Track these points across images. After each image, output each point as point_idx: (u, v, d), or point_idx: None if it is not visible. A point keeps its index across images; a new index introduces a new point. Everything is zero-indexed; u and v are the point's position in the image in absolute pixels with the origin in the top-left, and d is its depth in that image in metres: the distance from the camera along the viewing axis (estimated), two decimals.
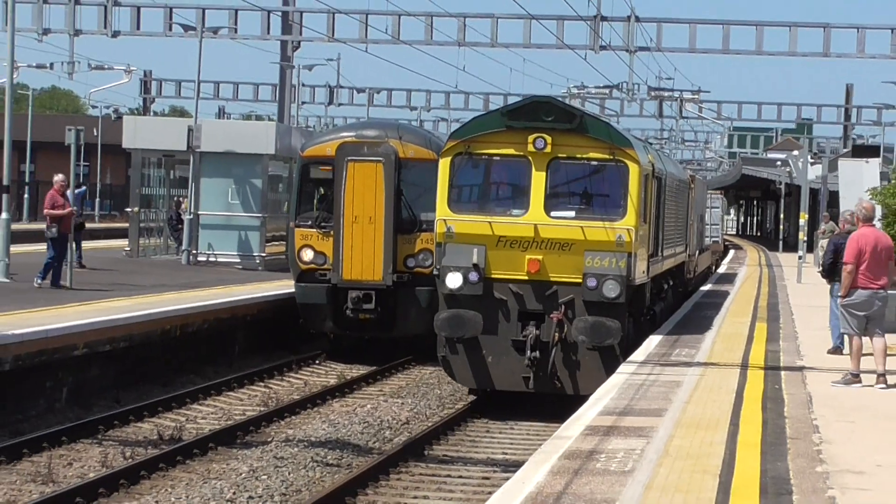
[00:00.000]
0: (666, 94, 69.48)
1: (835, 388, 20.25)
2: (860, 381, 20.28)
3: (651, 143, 37.32)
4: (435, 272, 24.18)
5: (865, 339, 20.76)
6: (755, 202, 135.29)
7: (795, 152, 72.33)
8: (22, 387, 22.80)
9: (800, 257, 52.50)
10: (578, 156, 23.80)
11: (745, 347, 25.50)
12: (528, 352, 23.26)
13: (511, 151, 23.84)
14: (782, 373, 22.01)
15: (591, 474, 13.63)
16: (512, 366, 23.72)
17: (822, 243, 51.54)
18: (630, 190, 23.62)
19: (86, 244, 42.47)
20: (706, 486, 13.13)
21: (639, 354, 23.88)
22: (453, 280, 23.35)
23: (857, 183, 34.32)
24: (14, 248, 34.95)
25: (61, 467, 19.57)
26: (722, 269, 56.86)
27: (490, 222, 23.61)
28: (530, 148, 23.40)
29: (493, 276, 23.57)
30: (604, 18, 50.11)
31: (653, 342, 26.12)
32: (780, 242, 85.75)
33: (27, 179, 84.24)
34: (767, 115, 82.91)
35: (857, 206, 21.91)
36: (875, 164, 38.73)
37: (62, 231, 31.86)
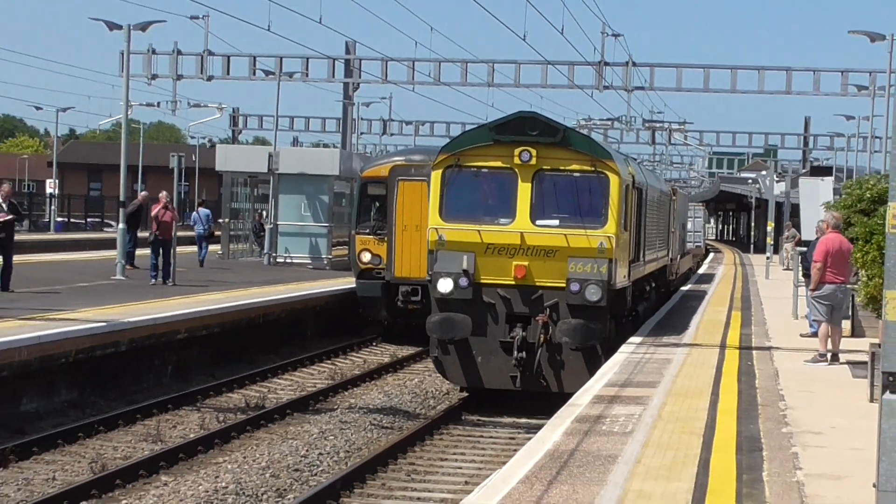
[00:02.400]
0: (657, 125, 69.54)
1: (804, 364, 20.20)
2: (826, 360, 20.25)
3: (635, 158, 35.22)
4: (427, 278, 22.13)
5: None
6: (731, 213, 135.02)
7: (763, 172, 72.11)
8: (136, 364, 22.92)
9: (767, 258, 52.29)
10: (562, 168, 21.56)
11: (724, 331, 25.41)
12: (516, 352, 21.11)
13: (498, 164, 21.62)
14: (754, 352, 21.96)
15: (598, 435, 13.65)
16: (500, 365, 21.41)
17: (787, 247, 51.66)
18: (611, 200, 21.46)
19: (188, 248, 42.77)
20: (692, 444, 13.13)
21: (636, 337, 23.80)
22: (445, 285, 21.26)
23: (815, 198, 34.14)
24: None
25: (167, 429, 19.65)
26: (703, 269, 56.67)
27: (479, 231, 21.43)
28: (516, 160, 21.28)
29: (482, 281, 21.36)
30: (607, 63, 50.07)
31: (647, 327, 26.05)
32: (752, 246, 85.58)
33: (139, 196, 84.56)
34: (740, 141, 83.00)
35: (827, 216, 21.95)
36: (829, 182, 38.53)
37: (163, 237, 32.14)
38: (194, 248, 42.86)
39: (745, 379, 18.35)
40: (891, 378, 10.10)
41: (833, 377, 18.97)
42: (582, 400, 16.03)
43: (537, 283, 21.24)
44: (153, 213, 33.01)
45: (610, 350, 21.29)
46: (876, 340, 16.52)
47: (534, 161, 21.19)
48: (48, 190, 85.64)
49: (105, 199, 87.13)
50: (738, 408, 15.61)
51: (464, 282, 21.12)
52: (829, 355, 20.43)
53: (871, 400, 15.69)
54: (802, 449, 13.03)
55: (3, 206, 27.59)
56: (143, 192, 34.11)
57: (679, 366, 19.61)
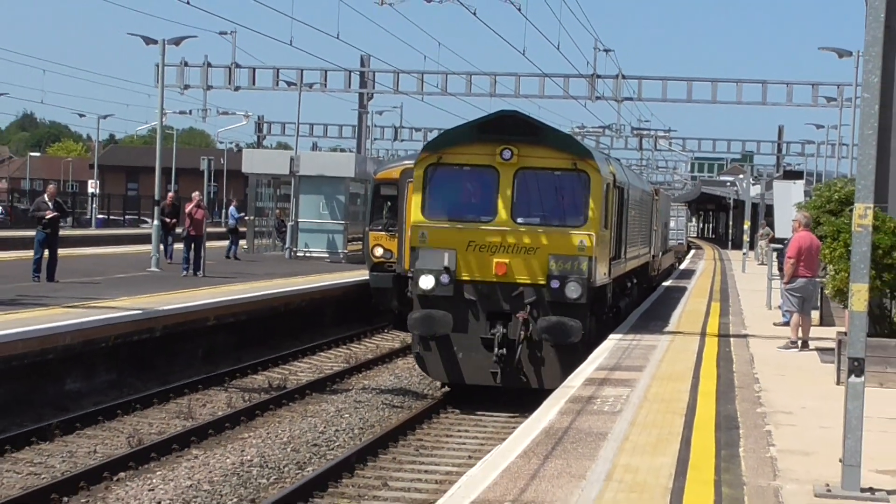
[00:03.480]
0: (644, 132, 69.29)
1: (777, 351, 20.23)
2: (797, 347, 20.29)
3: (618, 160, 34.05)
4: (409, 275, 20.45)
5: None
6: (711, 213, 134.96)
7: (741, 176, 72.23)
8: (169, 348, 22.96)
9: (744, 254, 52.36)
10: (543, 166, 19.92)
11: (704, 321, 25.41)
12: (496, 349, 19.54)
13: (480, 162, 19.98)
14: (731, 339, 21.96)
15: (589, 414, 13.65)
16: (481, 362, 19.77)
17: (761, 244, 51.67)
18: (591, 198, 19.85)
19: (216, 243, 42.84)
20: (675, 423, 13.13)
21: (624, 326, 23.78)
22: (426, 282, 19.68)
23: (787, 199, 34.05)
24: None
25: (198, 407, 19.68)
26: (685, 264, 56.62)
27: (460, 228, 19.82)
28: (498, 159, 19.71)
29: (463, 278, 19.75)
30: (598, 76, 50.02)
31: (635, 315, 26.03)
32: (730, 243, 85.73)
33: (173, 196, 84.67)
34: (720, 147, 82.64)
35: (800, 216, 22.04)
36: (800, 185, 38.43)
37: (195, 233, 32.22)
38: (226, 243, 43.07)
39: (723, 364, 18.35)
40: (855, 363, 10.11)
41: (803, 362, 18.98)
42: (575, 382, 16.04)
43: (518, 281, 19.75)
44: (187, 211, 33.08)
45: (590, 346, 19.84)
46: (842, 329, 16.50)
47: (515, 159, 19.77)
48: (90, 190, 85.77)
49: (141, 199, 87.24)
50: (717, 390, 15.62)
51: (445, 279, 19.66)
52: (799, 342, 20.48)
53: (838, 383, 15.70)
54: (775, 427, 13.03)
55: (50, 204, 27.72)
56: (196, 193, 34.30)
57: (663, 352, 19.60)
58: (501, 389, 20.03)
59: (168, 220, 36.20)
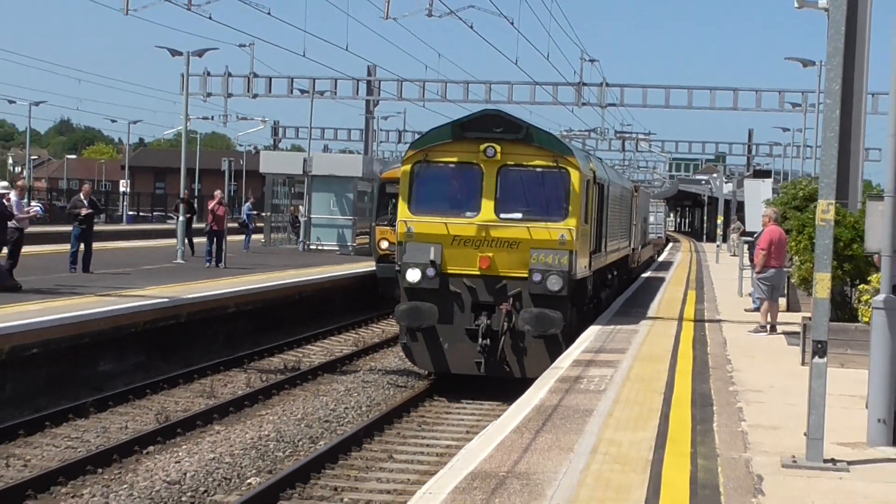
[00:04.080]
0: (626, 135, 69.41)
1: (747, 334, 20.24)
2: (766, 331, 20.29)
3: (599, 158, 33.17)
4: (397, 268, 19.38)
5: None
6: (687, 208, 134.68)
7: (714, 175, 72.11)
8: (193, 333, 22.95)
9: (717, 246, 52.30)
10: (525, 163, 18.95)
11: (681, 307, 25.39)
12: (480, 339, 18.65)
13: (465, 159, 19.03)
14: (706, 324, 21.95)
15: (577, 392, 13.65)
16: (466, 352, 18.85)
17: (733, 237, 51.65)
18: (571, 194, 18.90)
19: (237, 237, 42.88)
20: (655, 400, 13.14)
21: (608, 312, 23.75)
22: (413, 275, 18.76)
23: (757, 196, 33.97)
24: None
25: (219, 387, 19.68)
26: (664, 256, 56.55)
27: (446, 223, 18.85)
28: (481, 156, 18.74)
29: (448, 271, 18.84)
30: (584, 84, 50.00)
31: (618, 303, 26.00)
32: (704, 236, 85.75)
33: (196, 194, 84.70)
34: (696, 149, 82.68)
35: (770, 212, 22.06)
36: (769, 182, 38.40)
37: (217, 228, 32.31)
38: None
39: (698, 346, 18.34)
40: (819, 345, 10.11)
41: (771, 345, 18.98)
42: (563, 363, 16.02)
43: (501, 274, 18.80)
44: (209, 208, 33.16)
45: (571, 337, 18.93)
46: (807, 314, 16.50)
47: (498, 156, 18.77)
48: (121, 189, 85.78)
49: (168, 197, 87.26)
50: (693, 370, 15.61)
51: (431, 272, 18.74)
52: (768, 327, 20.47)
53: (803, 363, 15.70)
54: (746, 404, 13.04)
55: (85, 202, 27.74)
56: (218, 192, 34.53)
57: (644, 335, 19.58)
58: (485, 378, 19.21)
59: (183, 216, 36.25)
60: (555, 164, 18.97)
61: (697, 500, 8.76)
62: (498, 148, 18.74)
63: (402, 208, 19.23)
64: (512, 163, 18.93)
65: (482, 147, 18.77)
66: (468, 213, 19.02)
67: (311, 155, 44.64)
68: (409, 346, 19.33)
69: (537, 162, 19.00)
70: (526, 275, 18.67)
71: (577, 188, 18.98)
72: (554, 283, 18.52)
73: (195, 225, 37.99)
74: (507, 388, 18.24)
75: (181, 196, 36.82)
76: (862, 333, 14.43)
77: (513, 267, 18.77)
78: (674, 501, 8.72)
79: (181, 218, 35.19)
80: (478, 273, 18.83)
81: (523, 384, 15.54)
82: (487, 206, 18.90)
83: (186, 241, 34.88)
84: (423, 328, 18.92)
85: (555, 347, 18.27)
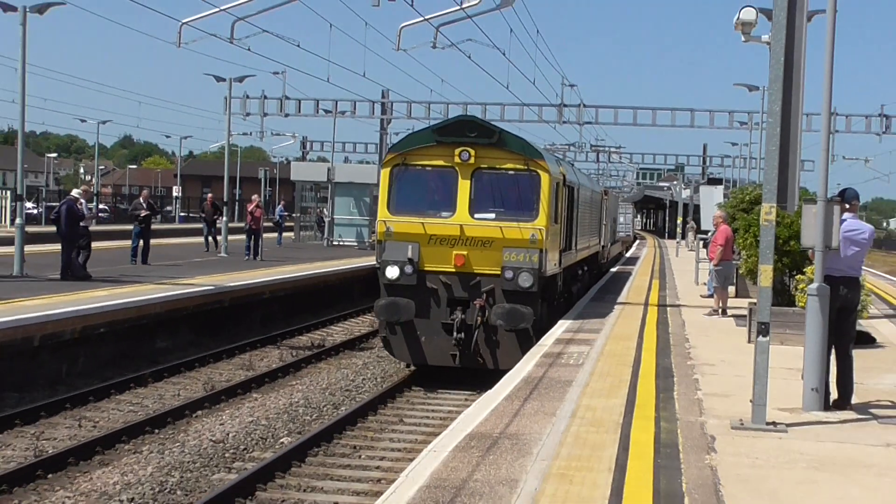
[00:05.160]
0: (600, 148, 69.33)
1: (702, 317, 20.24)
2: (718, 314, 20.29)
3: (572, 164, 31.63)
4: (377, 265, 17.82)
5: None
6: (652, 210, 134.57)
7: (675, 182, 72.03)
8: (234, 315, 22.94)
9: (677, 243, 52.29)
10: (498, 166, 17.37)
11: (647, 294, 25.37)
12: (455, 333, 17.10)
13: (441, 162, 17.40)
14: (668, 308, 21.95)
15: (559, 366, 13.65)
16: (442, 345, 17.30)
17: (690, 235, 51.63)
18: (542, 195, 17.33)
19: (271, 235, 42.90)
20: (625, 372, 13.13)
21: (585, 299, 23.72)
22: (392, 272, 17.24)
23: (710, 200, 33.90)
24: (231, 237, 35.34)
25: (256, 361, 19.67)
26: (632, 251, 56.46)
27: (423, 223, 17.31)
28: (457, 159, 17.20)
29: (425, 268, 17.28)
30: (565, 105, 49.83)
31: (592, 291, 25.98)
32: (666, 234, 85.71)
33: (237, 198, 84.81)
34: (659, 160, 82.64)
35: (718, 213, 22.08)
36: (720, 189, 38.27)
37: (255, 227, 32.40)
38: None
39: (661, 327, 18.34)
40: (762, 326, 10.12)
41: (723, 326, 18.98)
42: (547, 342, 16.00)
43: (475, 271, 17.24)
44: (248, 210, 33.23)
45: (542, 330, 17.39)
46: (753, 300, 16.51)
47: (472, 160, 17.20)
48: (174, 193, 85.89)
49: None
50: (657, 347, 15.61)
51: (409, 269, 17.22)
52: (720, 311, 20.47)
53: (749, 341, 15.70)
54: (701, 376, 13.04)
55: (144, 205, 27.79)
56: (255, 196, 34.65)
57: (616, 318, 19.57)
58: (460, 369, 17.61)
59: (209, 217, 36.25)
60: (526, 167, 17.43)
61: (660, 457, 8.77)
62: (472, 152, 17.26)
63: (382, 209, 17.64)
64: (485, 166, 17.41)
65: (457, 151, 17.29)
66: (444, 214, 17.49)
67: (334, 165, 44.80)
68: (388, 340, 17.63)
69: (509, 165, 17.46)
70: (499, 272, 17.16)
71: (547, 190, 17.47)
72: (525, 280, 17.05)
73: (219, 224, 37.75)
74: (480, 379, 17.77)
75: (208, 199, 36.87)
76: (798, 316, 14.42)
77: (486, 264, 17.26)
78: (640, 458, 8.73)
79: (224, 218, 35.21)
80: (453, 270, 17.31)
81: (495, 375, 14.45)
82: (462, 206, 17.39)
83: (210, 238, 34.88)
84: (401, 322, 17.32)
85: (526, 341, 16.80)
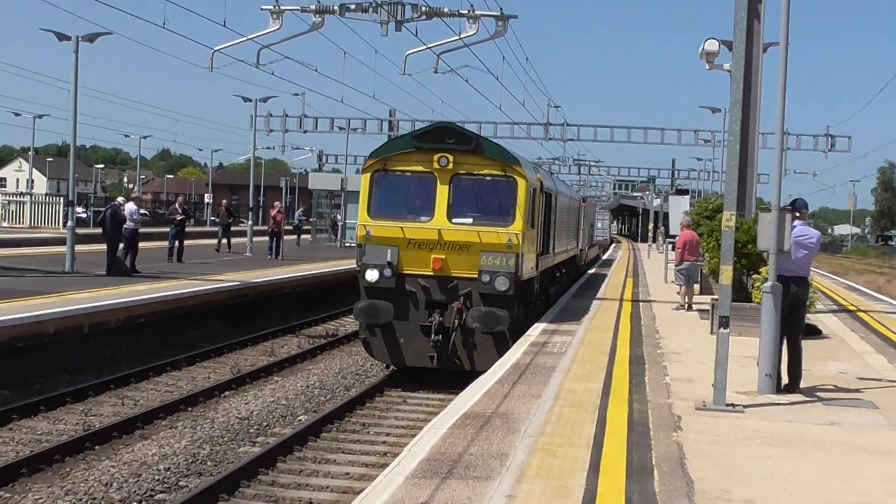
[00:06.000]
0: (581, 162, 69.45)
1: (671, 311, 20.22)
2: (685, 309, 20.28)
3: (551, 172, 29.66)
4: (357, 268, 16.12)
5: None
6: (627, 217, 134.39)
7: (647, 192, 71.93)
8: (257, 308, 22.90)
9: (649, 245, 52.22)
10: (476, 172, 15.72)
11: (622, 290, 25.34)
12: (433, 335, 15.50)
13: (420, 168, 15.75)
14: (640, 303, 21.92)
15: (544, 354, 13.62)
16: (420, 346, 15.67)
17: (660, 239, 51.60)
18: (518, 201, 15.65)
19: (291, 237, 42.91)
20: (603, 360, 13.11)
21: (567, 295, 23.66)
22: (371, 275, 15.64)
23: (678, 208, 33.88)
24: (256, 239, 35.36)
25: (278, 348, 19.67)
26: (609, 253, 56.44)
27: (402, 227, 15.63)
28: (435, 165, 15.57)
29: (404, 271, 15.65)
30: (550, 124, 49.99)
31: (574, 288, 25.94)
32: (639, 238, 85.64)
33: (261, 205, 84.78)
34: (633, 173, 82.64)
35: (686, 220, 22.07)
36: (686, 198, 38.22)
37: (277, 230, 32.46)
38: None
39: (634, 320, 18.31)
40: (723, 319, 10.12)
41: (688, 319, 18.97)
42: (534, 332, 15.94)
43: (453, 274, 15.59)
44: (271, 215, 33.30)
45: (518, 332, 15.82)
46: (715, 297, 16.52)
47: (451, 166, 15.59)
48: (206, 200, 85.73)
49: (240, 206, 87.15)
50: (631, 338, 15.60)
51: (388, 272, 15.60)
52: (686, 306, 20.45)
53: (711, 333, 15.69)
54: (669, 363, 13.03)
55: (179, 210, 27.88)
56: (277, 203, 34.54)
57: (594, 312, 19.54)
58: (438, 371, 15.99)
59: (223, 221, 35.42)
60: (503, 173, 15.78)
61: (633, 434, 8.77)
62: (450, 158, 15.63)
63: (362, 213, 15.99)
64: (463, 172, 15.76)
65: (436, 157, 15.66)
66: (423, 218, 15.77)
67: (347, 176, 44.81)
68: (367, 341, 15.99)
69: (487, 171, 15.80)
70: (476, 276, 15.54)
71: (524, 195, 15.79)
72: (501, 284, 15.48)
73: (233, 227, 37.40)
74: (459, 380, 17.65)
75: (222, 205, 36.78)
76: (754, 311, 14.41)
77: (464, 268, 15.61)
78: (616, 435, 8.73)
79: (249, 221, 35.20)
80: (431, 274, 15.64)
81: (472, 376, 12.97)
82: (441, 211, 15.74)
83: (224, 240, 33.88)
84: (381, 324, 15.75)
85: (502, 343, 15.32)
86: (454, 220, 15.71)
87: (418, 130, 16.47)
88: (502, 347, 14.99)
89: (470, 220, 15.80)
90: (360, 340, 16.31)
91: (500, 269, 15.52)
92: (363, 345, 16.20)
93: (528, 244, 16.50)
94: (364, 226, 15.87)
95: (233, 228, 36.75)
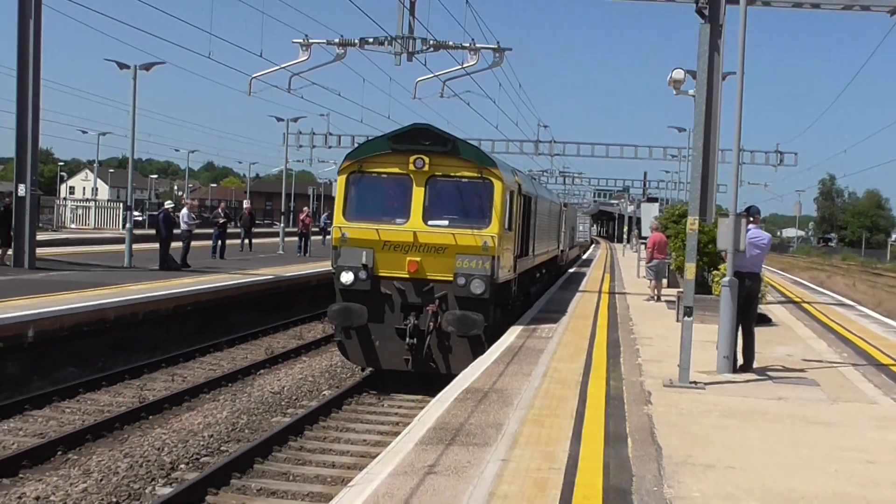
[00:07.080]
0: (566, 174, 69.44)
1: (643, 302, 20.18)
2: (654, 300, 20.23)
3: (532, 176, 27.50)
4: (332, 270, 13.93)
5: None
6: (605, 221, 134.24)
7: (622, 200, 71.84)
8: (289, 298, 22.85)
9: (623, 245, 52.14)
10: (452, 174, 13.52)
11: (601, 284, 25.31)
12: (408, 338, 13.35)
13: (396, 170, 13.54)
14: (616, 295, 21.89)
15: (533, 338, 13.58)
16: (395, 349, 13.50)
17: (634, 240, 51.57)
18: (495, 203, 13.49)
19: (318, 237, 42.95)
20: (584, 343, 13.08)
21: (552, 288, 23.61)
22: (346, 277, 13.55)
23: (649, 214, 33.85)
24: (287, 239, 35.34)
25: (305, 332, 19.62)
26: (589, 252, 56.38)
27: (377, 229, 13.48)
28: (411, 167, 13.40)
29: (380, 274, 13.50)
30: (540, 141, 50.03)
31: (559, 282, 25.90)
32: (616, 239, 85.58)
33: (291, 209, 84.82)
34: (611, 183, 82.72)
35: (655, 223, 22.04)
36: (656, 205, 38.23)
37: (305, 232, 32.50)
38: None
39: (611, 309, 18.28)
40: (687, 309, 10.11)
41: (658, 309, 18.92)
42: (524, 320, 15.93)
43: (428, 277, 13.43)
44: (300, 218, 33.37)
45: (494, 335, 13.77)
46: (681, 290, 16.49)
47: (427, 168, 13.43)
48: (245, 206, 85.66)
49: (274, 212, 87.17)
50: (608, 324, 15.56)
51: (363, 275, 13.51)
52: (655, 297, 20.42)
53: (677, 321, 15.66)
54: (641, 346, 13.01)
55: (221, 214, 27.95)
56: (305, 208, 34.51)
57: (576, 302, 19.51)
58: (413, 374, 13.75)
59: (246, 224, 34.72)
60: (479, 175, 13.61)
61: (610, 407, 8.76)
62: (427, 160, 13.47)
63: (338, 215, 13.82)
64: (440, 173, 13.59)
65: (412, 159, 13.49)
66: (398, 221, 13.62)
67: None
68: (343, 343, 13.85)
69: (463, 173, 13.61)
70: (451, 278, 13.41)
71: (500, 198, 13.61)
72: (477, 287, 13.38)
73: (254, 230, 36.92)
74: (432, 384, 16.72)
75: (245, 211, 36.64)
76: (714, 302, 14.41)
77: (439, 271, 13.46)
78: (595, 408, 8.72)
79: (282, 224, 35.19)
80: (407, 276, 13.50)
81: (447, 379, 11.34)
82: (416, 213, 13.55)
83: (247, 241, 32.97)
84: (356, 327, 13.67)
85: (477, 346, 13.27)
86: (430, 223, 13.56)
87: (394, 131, 13.90)
88: (478, 351, 13.07)
89: (446, 223, 13.66)
90: (336, 343, 14.26)
91: (475, 272, 13.48)
92: (338, 347, 14.07)
93: (505, 246, 14.33)
94: (339, 228, 13.75)
95: (256, 230, 36.60)
